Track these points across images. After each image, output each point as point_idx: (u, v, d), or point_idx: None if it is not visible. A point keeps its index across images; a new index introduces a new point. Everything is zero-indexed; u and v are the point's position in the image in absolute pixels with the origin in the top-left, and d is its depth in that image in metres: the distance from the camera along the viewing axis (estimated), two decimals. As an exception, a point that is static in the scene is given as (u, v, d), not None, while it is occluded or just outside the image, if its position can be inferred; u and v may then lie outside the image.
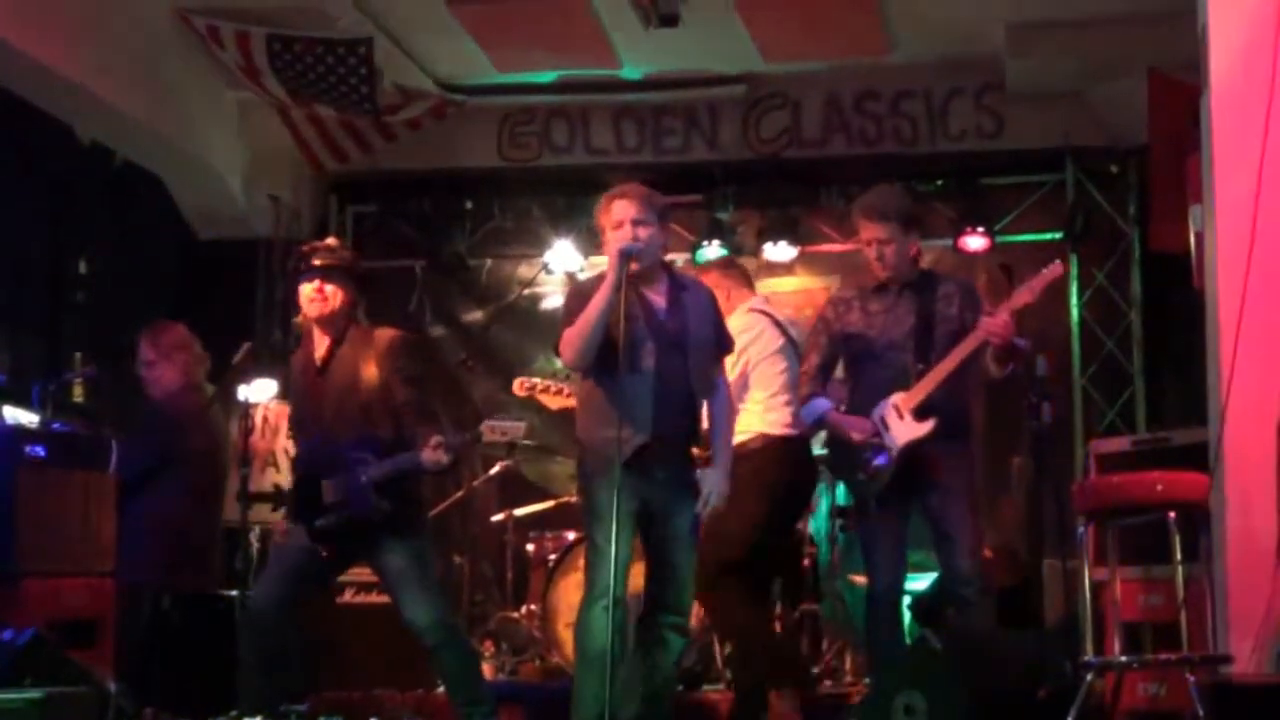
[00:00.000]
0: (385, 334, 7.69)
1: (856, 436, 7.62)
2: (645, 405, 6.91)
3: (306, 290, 7.59)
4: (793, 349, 8.37)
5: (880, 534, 7.71)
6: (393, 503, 7.38)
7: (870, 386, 7.70)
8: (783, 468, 8.32)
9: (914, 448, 7.49)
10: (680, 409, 7.05)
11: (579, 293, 7.21)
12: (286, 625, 7.50)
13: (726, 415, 7.31)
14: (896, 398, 7.54)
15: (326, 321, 7.62)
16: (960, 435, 7.66)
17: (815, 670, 9.64)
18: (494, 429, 7.45)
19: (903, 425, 7.51)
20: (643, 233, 7.00)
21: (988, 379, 7.62)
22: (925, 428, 7.46)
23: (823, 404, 7.81)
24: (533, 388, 8.95)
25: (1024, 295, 7.38)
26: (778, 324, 8.46)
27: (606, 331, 6.91)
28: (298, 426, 7.76)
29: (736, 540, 8.11)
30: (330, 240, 7.97)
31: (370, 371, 7.51)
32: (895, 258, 7.72)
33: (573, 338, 6.99)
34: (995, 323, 7.30)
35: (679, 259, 11.98)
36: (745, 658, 8.45)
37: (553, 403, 9.07)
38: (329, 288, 7.58)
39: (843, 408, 7.83)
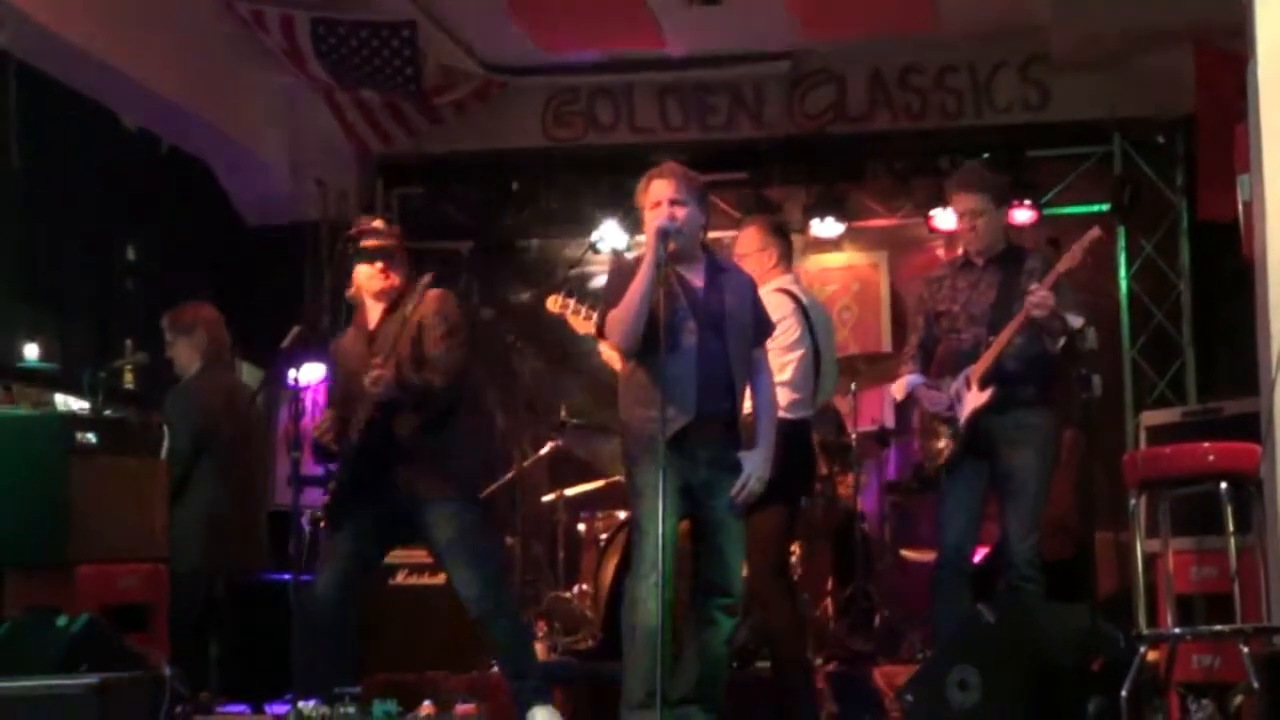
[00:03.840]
0: (430, 295, 7.73)
1: (928, 408, 8.01)
2: (688, 385, 6.90)
3: (367, 270, 7.72)
4: (810, 338, 8.27)
5: (950, 501, 7.97)
6: (421, 462, 7.50)
7: (952, 359, 7.99)
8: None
9: (979, 417, 7.77)
10: (722, 390, 7.02)
11: (620, 273, 7.21)
12: (346, 613, 7.57)
13: (770, 398, 7.31)
14: (969, 369, 7.83)
15: (385, 294, 7.75)
16: (1030, 406, 7.85)
17: (868, 647, 9.65)
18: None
19: (970, 396, 7.81)
20: (679, 212, 7.02)
21: (1047, 352, 7.76)
22: (983, 397, 7.74)
23: (914, 379, 8.13)
24: (565, 307, 8.76)
25: (1066, 261, 7.65)
26: (804, 312, 8.33)
27: (649, 312, 6.91)
28: (350, 401, 7.70)
29: None
30: (377, 221, 7.98)
31: (410, 335, 7.57)
32: (987, 230, 8.01)
33: (618, 320, 6.99)
34: (1034, 297, 7.52)
35: (725, 236, 11.98)
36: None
37: (580, 326, 8.86)
38: (391, 268, 7.72)
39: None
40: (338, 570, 7.60)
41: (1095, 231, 7.71)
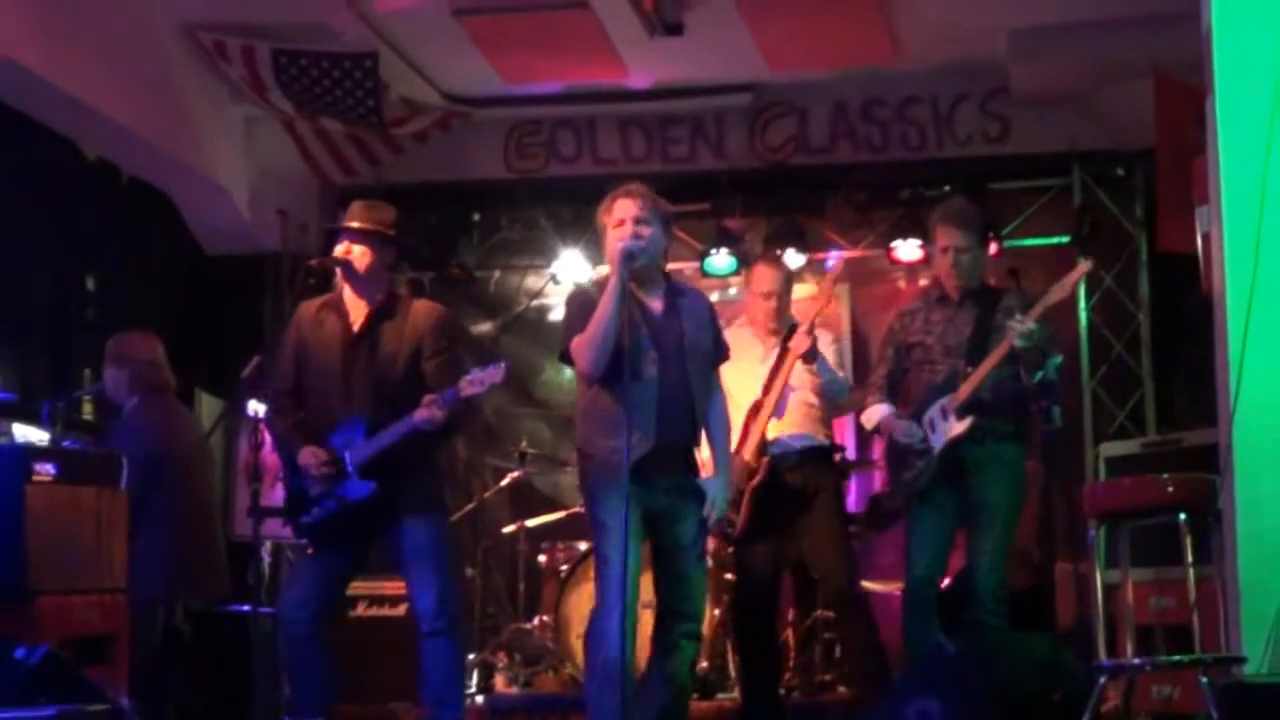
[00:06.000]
0: (424, 307, 7.67)
1: (900, 440, 7.97)
2: (649, 414, 6.88)
3: (361, 249, 7.57)
4: None
5: (920, 530, 7.99)
6: (409, 475, 7.37)
7: (925, 391, 8.01)
8: None
9: (955, 446, 7.79)
10: (682, 417, 7.02)
11: (581, 298, 7.18)
12: (323, 636, 7.48)
13: (724, 423, 7.33)
14: (945, 399, 7.84)
15: (369, 281, 7.61)
16: (1006, 440, 7.91)
17: (828, 677, 9.65)
18: (472, 382, 7.20)
19: (946, 425, 7.82)
20: (644, 231, 6.96)
21: (1023, 387, 7.78)
22: (962, 426, 7.75)
23: (882, 409, 8.13)
24: None
25: (1057, 293, 7.66)
26: None
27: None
28: (315, 394, 7.58)
29: None
30: (360, 205, 7.81)
31: (408, 348, 7.48)
32: (970, 266, 8.04)
33: (586, 344, 6.93)
34: (1021, 327, 7.57)
35: (686, 268, 11.99)
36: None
37: None
38: (356, 249, 7.57)
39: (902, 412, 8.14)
40: (320, 597, 7.47)
41: (1085, 266, 7.81)
